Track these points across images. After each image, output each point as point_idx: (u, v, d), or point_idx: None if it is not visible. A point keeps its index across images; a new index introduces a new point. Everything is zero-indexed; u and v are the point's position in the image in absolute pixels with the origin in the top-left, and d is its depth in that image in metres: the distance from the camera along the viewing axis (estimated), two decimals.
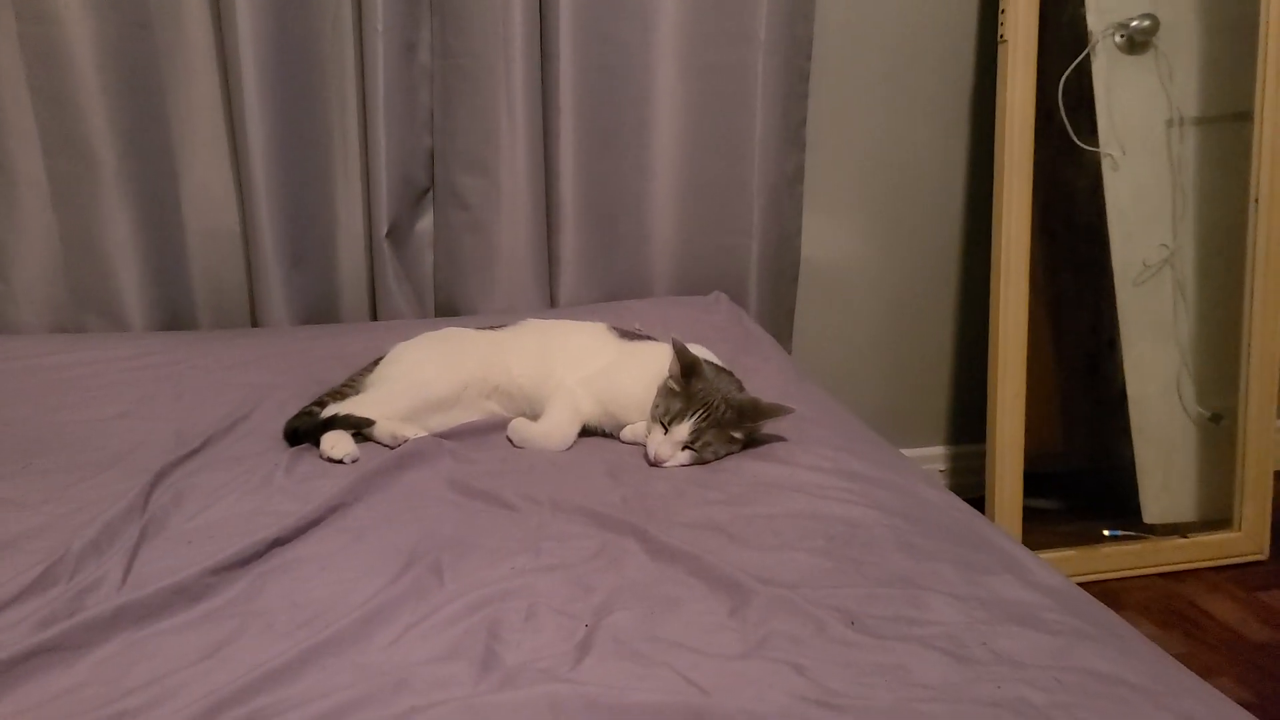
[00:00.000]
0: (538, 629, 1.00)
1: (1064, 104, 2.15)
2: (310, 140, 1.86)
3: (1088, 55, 2.14)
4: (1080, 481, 2.44)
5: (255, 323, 1.91)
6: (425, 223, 1.98)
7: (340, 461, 1.35)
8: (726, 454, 1.41)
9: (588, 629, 1.00)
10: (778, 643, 0.97)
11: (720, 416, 1.39)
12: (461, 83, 1.89)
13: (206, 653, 0.94)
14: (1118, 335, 2.22)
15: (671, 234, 2.04)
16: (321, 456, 1.37)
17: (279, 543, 1.13)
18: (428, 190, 1.97)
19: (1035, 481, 2.15)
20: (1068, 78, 2.14)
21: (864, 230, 2.26)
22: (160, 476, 1.27)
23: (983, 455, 2.14)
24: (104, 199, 1.76)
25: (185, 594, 1.02)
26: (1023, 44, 2.01)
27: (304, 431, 1.42)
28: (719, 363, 1.51)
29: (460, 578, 1.08)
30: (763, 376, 1.58)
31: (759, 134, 2.01)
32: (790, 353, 2.16)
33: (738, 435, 1.41)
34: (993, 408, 2.07)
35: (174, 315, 1.87)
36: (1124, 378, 2.20)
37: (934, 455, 2.39)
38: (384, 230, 1.90)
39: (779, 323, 2.15)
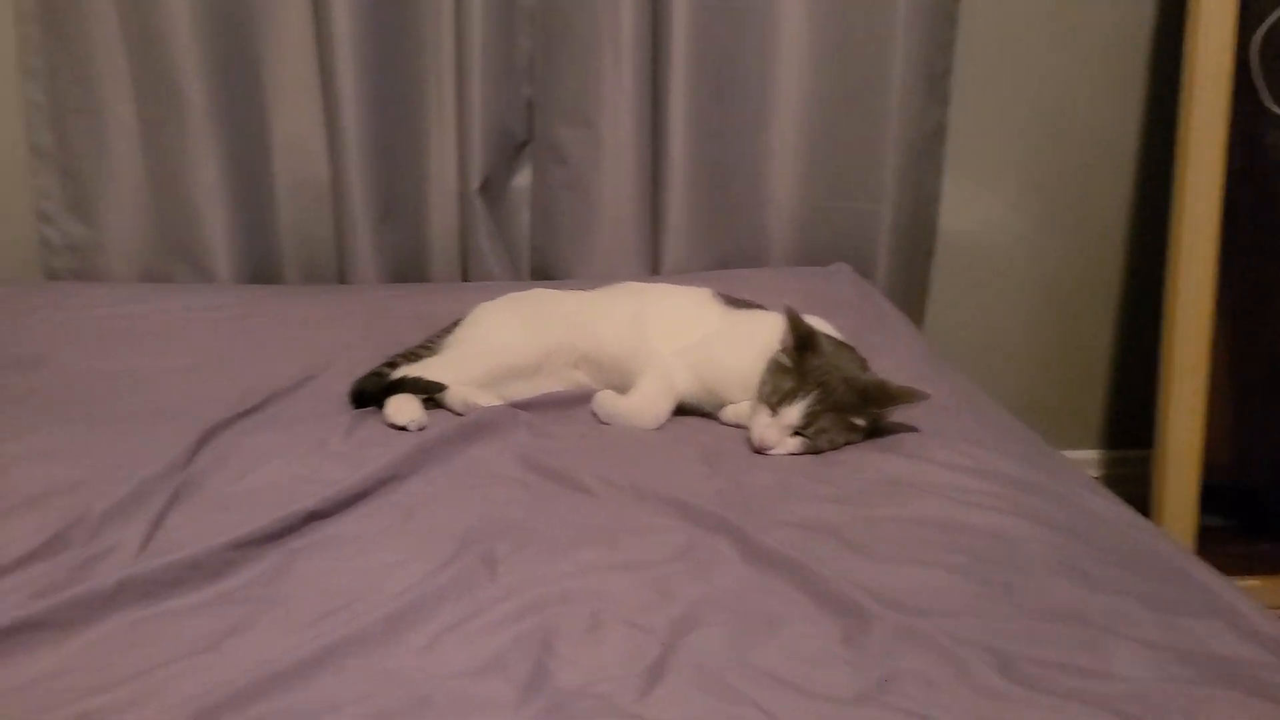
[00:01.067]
0: (601, 642, 0.80)
1: (1260, 62, 1.80)
2: (403, 88, 1.71)
3: None
4: (1256, 498, 2.07)
5: (342, 279, 1.78)
6: (521, 178, 1.81)
7: (404, 428, 1.20)
8: (845, 443, 1.18)
9: (664, 648, 0.79)
10: (904, 686, 0.75)
11: (839, 399, 1.16)
12: (564, 27, 1.70)
13: (210, 643, 0.79)
14: None
15: (791, 197, 1.80)
16: (385, 421, 1.21)
17: (316, 516, 0.97)
18: (525, 144, 1.79)
19: (1203, 495, 1.82)
20: (1266, 31, 1.79)
21: (1015, 199, 1.96)
22: (210, 434, 1.14)
23: (1145, 462, 1.82)
24: (192, 144, 1.66)
25: (201, 570, 0.87)
26: None
27: (371, 394, 1.27)
28: (840, 337, 1.27)
29: (515, 571, 0.90)
30: (892, 357, 1.33)
31: (897, 85, 1.74)
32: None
33: (859, 422, 1.18)
34: (1164, 410, 1.75)
35: (261, 267, 1.76)
36: None
37: (1086, 459, 2.07)
38: (476, 185, 1.73)
39: (910, 301, 1.89)
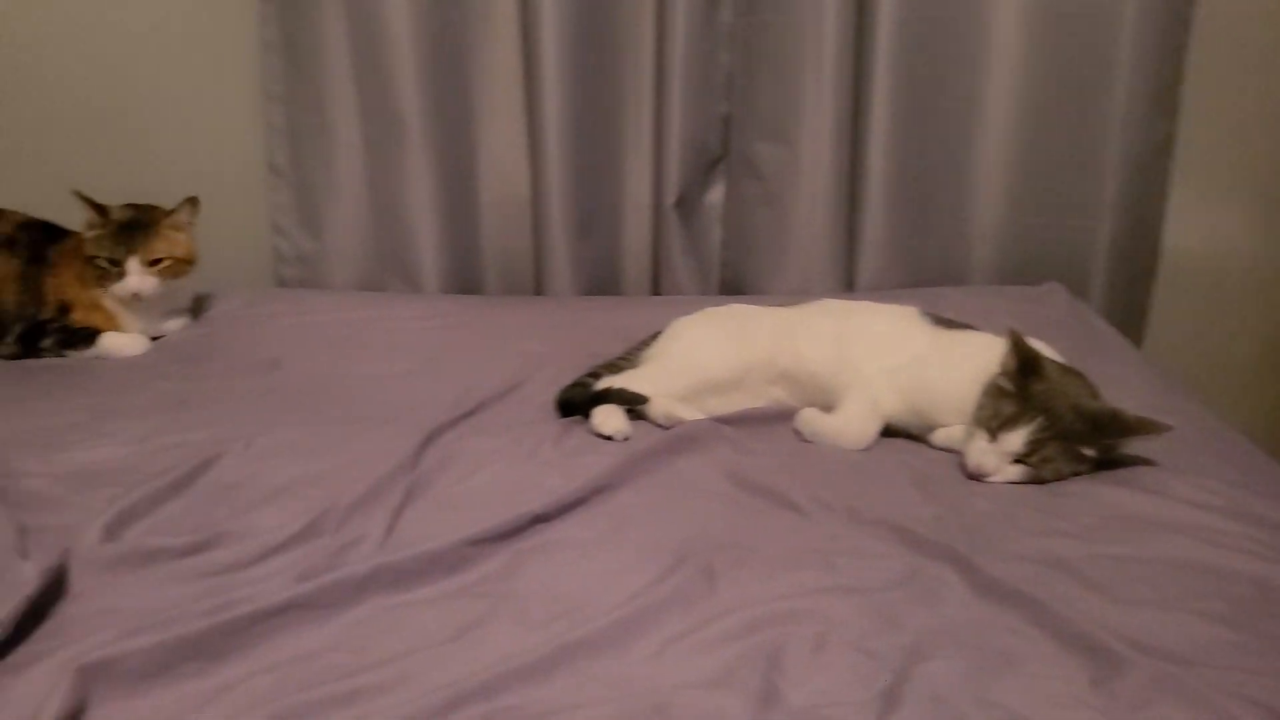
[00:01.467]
0: (828, 665, 0.80)
1: None
2: (603, 107, 1.77)
3: None
4: None
5: (539, 290, 1.86)
6: (715, 194, 1.83)
7: (610, 438, 1.23)
8: (1071, 474, 1.12)
9: (895, 676, 0.78)
10: None
11: (1066, 427, 1.10)
12: (765, 42, 1.71)
13: (454, 634, 0.84)
14: None
15: (998, 213, 1.74)
16: (592, 431, 1.25)
17: (540, 520, 1.01)
18: (719, 159, 1.82)
19: None
20: None
21: (1250, 215, 1.81)
22: (432, 437, 1.21)
23: None
24: (409, 163, 1.78)
25: (440, 563, 0.93)
26: None
27: (577, 403, 1.31)
28: (1065, 362, 1.22)
29: (736, 587, 0.91)
30: (1118, 384, 1.26)
31: (1120, 96, 1.66)
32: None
33: (1088, 453, 1.12)
34: None
35: (464, 279, 1.86)
36: None
37: None
38: (671, 200, 1.77)
39: (1128, 324, 1.78)
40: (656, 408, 1.29)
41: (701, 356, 1.37)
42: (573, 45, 1.71)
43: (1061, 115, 1.69)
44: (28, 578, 0.84)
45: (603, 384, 1.33)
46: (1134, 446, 1.14)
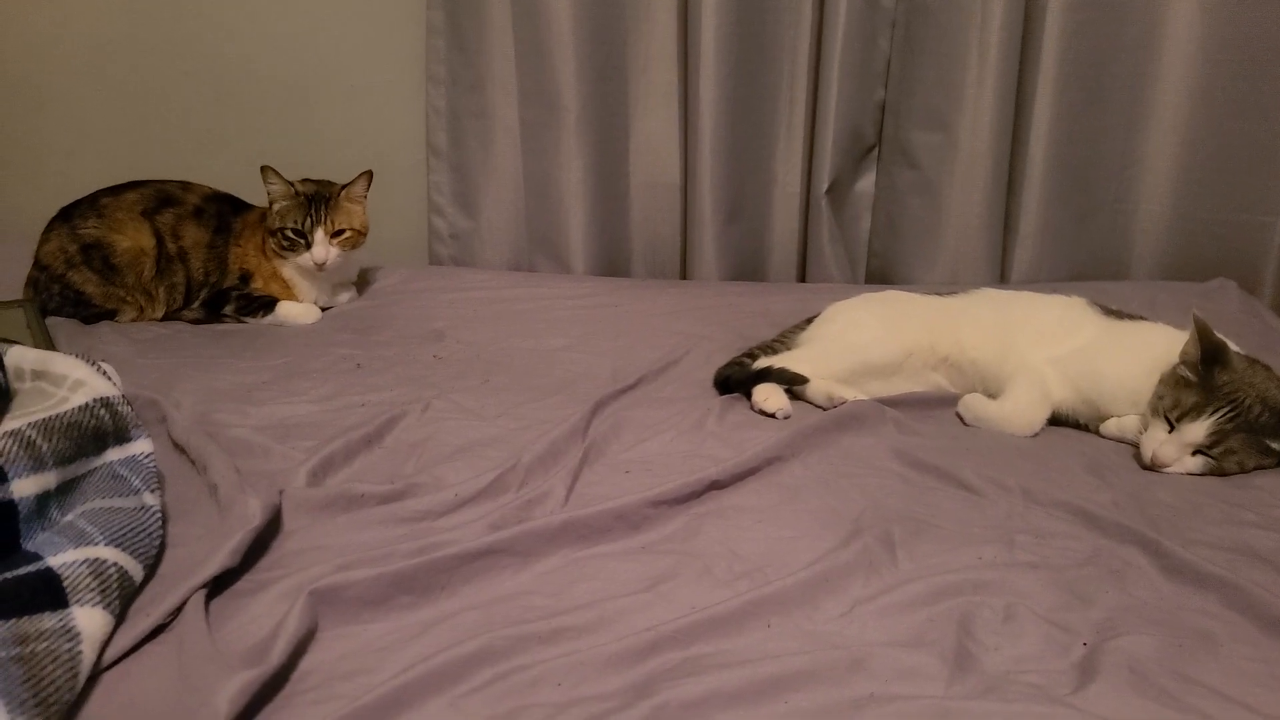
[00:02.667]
0: (1020, 634, 0.82)
1: None
2: (758, 93, 1.80)
3: None
4: None
5: (685, 274, 1.91)
6: (866, 182, 1.85)
7: (772, 415, 1.27)
8: (1255, 468, 1.10)
9: (1086, 647, 0.80)
10: None
11: (1253, 419, 1.09)
12: (927, 27, 1.72)
13: (646, 585, 0.89)
14: None
15: (1164, 205, 1.71)
16: (753, 408, 1.29)
17: (716, 486, 1.06)
18: (873, 147, 1.83)
19: None
20: None
21: None
22: (599, 406, 1.27)
23: None
24: (564, 146, 1.85)
25: (625, 521, 0.98)
26: None
27: (736, 381, 1.35)
28: (1249, 355, 1.19)
29: (917, 558, 0.93)
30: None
31: None
32: None
33: (1276, 446, 1.10)
34: None
35: (611, 262, 1.93)
36: None
37: None
38: (824, 188, 1.79)
39: None
40: (817, 388, 1.32)
41: (861, 339, 1.39)
42: (730, 31, 1.74)
43: (1236, 104, 1.64)
44: (253, 512, 0.93)
45: (761, 364, 1.37)
46: None
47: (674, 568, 0.92)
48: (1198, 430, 1.10)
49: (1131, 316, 1.33)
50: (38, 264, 1.64)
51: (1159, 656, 0.79)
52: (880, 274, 1.85)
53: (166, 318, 1.66)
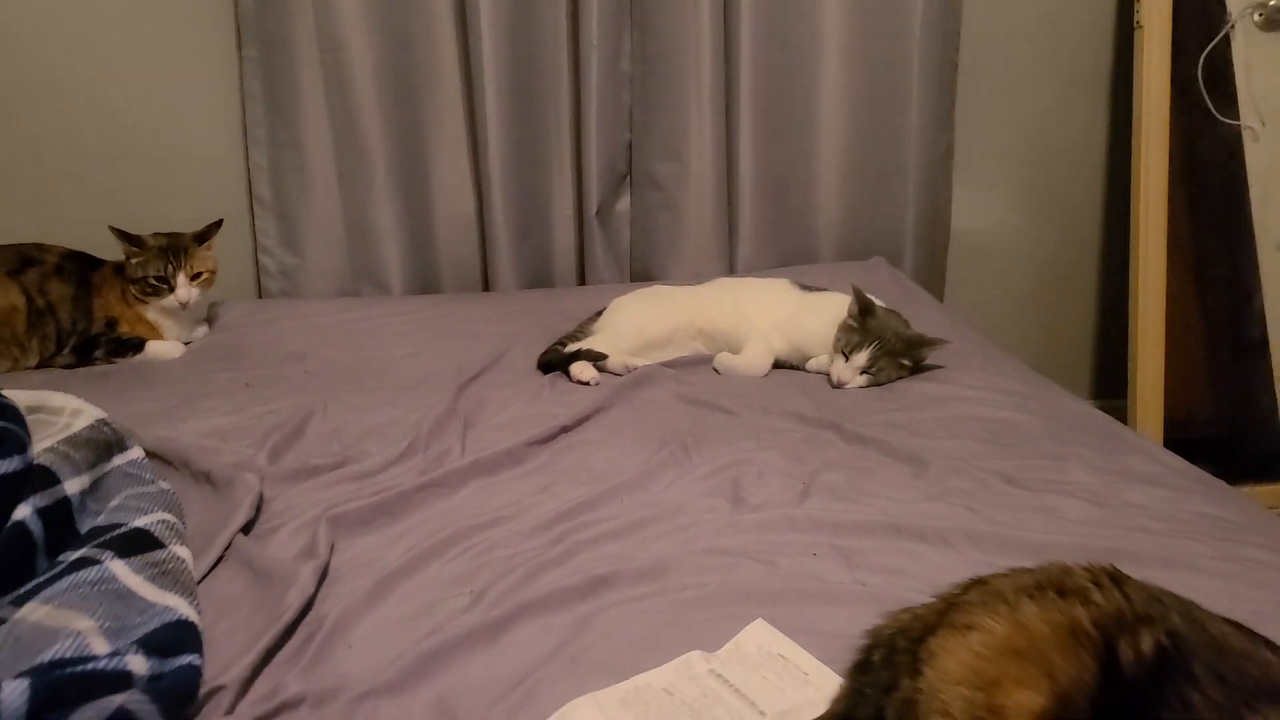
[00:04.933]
0: (768, 484, 1.40)
1: (1204, 80, 2.41)
2: (533, 136, 2.32)
3: (1227, 34, 2.40)
4: (1230, 446, 2.65)
5: (486, 287, 2.39)
6: (624, 203, 2.42)
7: (588, 383, 1.79)
8: (897, 378, 1.78)
9: (805, 485, 1.40)
10: (952, 494, 1.34)
11: (891, 347, 1.76)
12: (657, 84, 2.32)
13: (537, 491, 1.39)
14: (1260, 298, 2.46)
15: (836, 207, 2.42)
16: (572, 380, 1.81)
17: (565, 430, 1.57)
18: (626, 176, 2.41)
19: (1186, 447, 2.39)
20: (1207, 54, 2.41)
21: (1013, 202, 2.58)
22: (460, 390, 1.74)
23: (1125, 410, 2.43)
24: (375, 190, 2.28)
25: (511, 457, 1.47)
26: (1157, 30, 2.31)
27: (555, 363, 1.86)
28: (888, 307, 1.88)
29: (703, 454, 1.50)
30: (924, 324, 1.93)
31: (914, 119, 2.36)
32: None
33: (906, 363, 1.78)
34: (1134, 359, 2.36)
35: (424, 282, 2.37)
36: (1267, 336, 2.44)
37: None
38: (594, 210, 2.35)
39: (932, 286, 2.49)
40: (615, 361, 1.86)
41: (640, 322, 1.95)
42: (506, 90, 2.25)
43: (874, 133, 2.38)
44: (252, 481, 1.32)
45: (571, 348, 1.89)
46: (934, 359, 1.81)
47: (552, 481, 1.42)
48: (861, 359, 1.76)
49: (819, 289, 1.99)
50: None
51: (844, 482, 1.39)
52: (642, 274, 2.44)
53: (39, 365, 1.91)
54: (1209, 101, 2.42)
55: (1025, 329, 2.65)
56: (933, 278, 2.52)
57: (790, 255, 2.43)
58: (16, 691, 0.81)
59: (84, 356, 1.93)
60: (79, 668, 0.86)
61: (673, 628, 1.05)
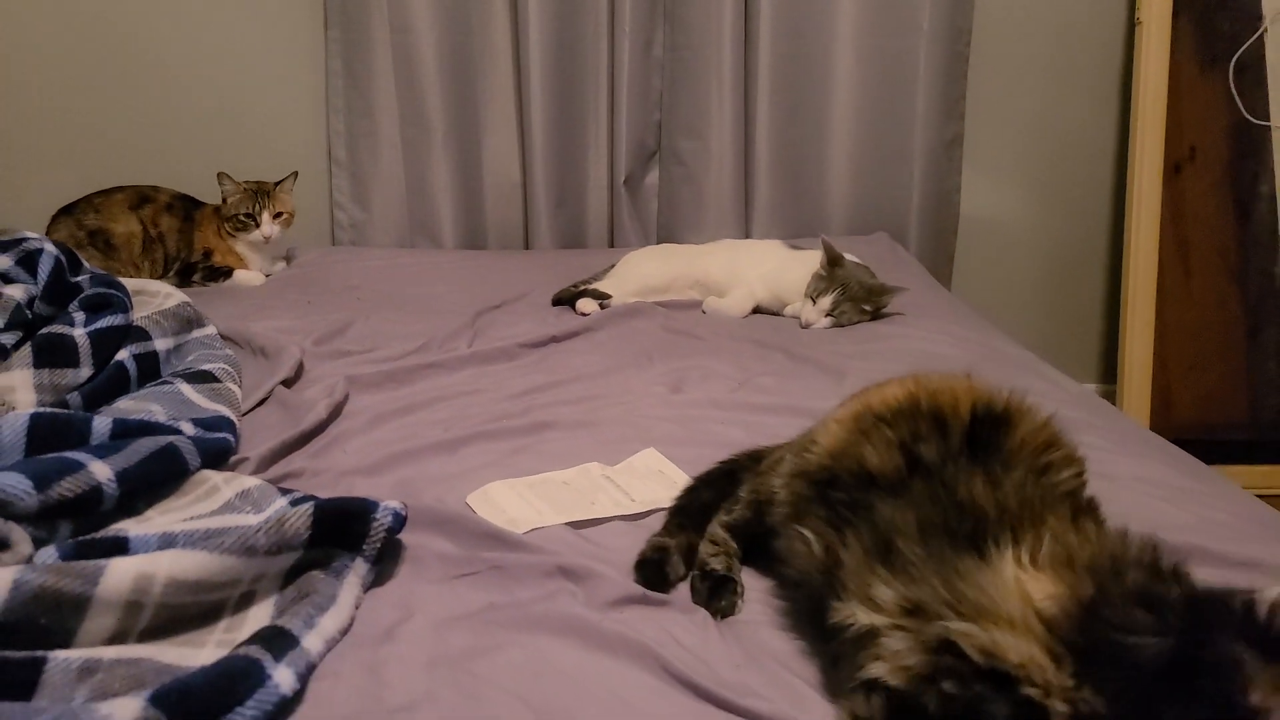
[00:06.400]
0: (708, 381, 1.74)
1: (1234, 80, 2.62)
2: (573, 114, 2.71)
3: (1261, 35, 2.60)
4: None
5: (527, 246, 2.78)
6: (652, 177, 2.78)
7: (587, 315, 2.16)
8: (858, 321, 2.08)
9: (739, 384, 1.72)
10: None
11: (854, 293, 2.07)
12: (684, 70, 2.68)
13: (521, 378, 1.75)
14: None
15: (845, 187, 2.72)
16: (577, 313, 2.18)
17: (555, 340, 1.94)
18: (655, 152, 2.77)
19: (1224, 450, 2.58)
20: (1240, 55, 2.62)
21: (1023, 190, 2.83)
22: (479, 314, 2.13)
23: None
24: (434, 156, 2.70)
25: (505, 354, 1.85)
26: (1156, 26, 2.54)
27: (564, 298, 2.24)
28: (860, 261, 2.18)
29: (664, 362, 1.84)
30: (907, 285, 2.23)
31: (919, 108, 2.65)
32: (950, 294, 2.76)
33: (867, 308, 2.08)
34: (1123, 333, 2.58)
35: (472, 239, 2.78)
36: None
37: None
38: (622, 180, 2.72)
39: (940, 267, 2.77)
40: (617, 302, 2.22)
41: (645, 270, 2.31)
42: (551, 73, 2.64)
43: (882, 120, 2.67)
44: (295, 352, 1.73)
45: (581, 288, 2.26)
46: (896, 306, 2.10)
47: (545, 373, 1.78)
48: (826, 302, 2.07)
49: (803, 249, 2.31)
50: None
51: (773, 384, 1.71)
52: (666, 240, 2.78)
53: None
54: (1239, 102, 2.63)
55: (1034, 313, 2.89)
56: (941, 260, 2.79)
57: (801, 229, 2.74)
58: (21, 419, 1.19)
59: (184, 279, 2.40)
60: (144, 419, 1.26)
61: (587, 453, 1.40)
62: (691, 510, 1.20)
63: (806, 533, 0.97)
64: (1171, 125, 2.65)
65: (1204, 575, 1.02)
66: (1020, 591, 0.76)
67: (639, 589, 1.06)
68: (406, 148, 2.71)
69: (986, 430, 0.99)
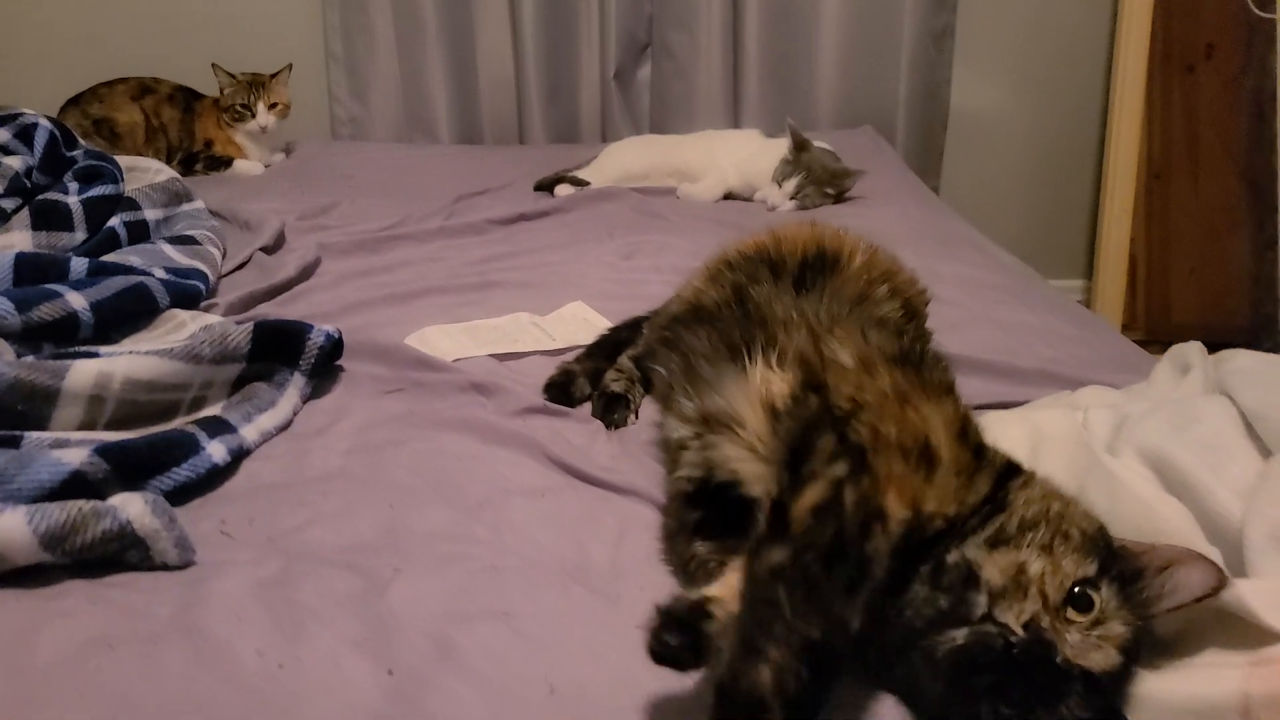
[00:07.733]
0: (660, 253, 1.88)
1: None
2: (564, 8, 2.82)
3: None
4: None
5: (521, 140, 2.92)
6: (644, 72, 2.90)
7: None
8: (821, 204, 2.20)
9: (690, 255, 1.87)
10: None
11: (817, 177, 2.19)
12: None
13: (489, 249, 1.91)
14: None
15: (833, 80, 2.81)
16: (553, 196, 2.33)
17: (525, 217, 2.09)
18: (646, 45, 2.88)
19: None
20: None
21: (1014, 85, 2.90)
22: (459, 199, 2.29)
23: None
24: (428, 52, 2.84)
25: (473, 228, 2.01)
26: None
27: (545, 184, 2.39)
28: (829, 148, 2.30)
29: (624, 237, 1.98)
30: (880, 174, 2.34)
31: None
32: (938, 190, 2.85)
33: (830, 191, 2.20)
34: (1102, 219, 2.67)
35: (468, 134, 2.92)
36: None
37: (1074, 287, 2.98)
38: (613, 74, 2.84)
39: (928, 162, 2.86)
40: (594, 189, 2.36)
41: (624, 158, 2.44)
42: None
43: (871, 9, 2.75)
44: (277, 223, 1.91)
45: (561, 174, 2.41)
46: (859, 191, 2.22)
47: (499, 249, 1.94)
48: (791, 185, 2.19)
49: (779, 137, 2.42)
50: None
51: None
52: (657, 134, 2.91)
53: None
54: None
55: (1021, 208, 2.97)
56: (930, 154, 2.88)
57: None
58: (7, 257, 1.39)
59: (187, 168, 2.59)
60: (120, 263, 1.45)
61: (527, 307, 1.56)
62: (605, 345, 1.37)
63: (657, 367, 1.13)
64: (1187, 22, 2.69)
65: (1039, 392, 1.17)
66: (763, 389, 0.89)
67: (543, 402, 1.22)
68: (400, 43, 2.85)
69: (815, 268, 1.12)
